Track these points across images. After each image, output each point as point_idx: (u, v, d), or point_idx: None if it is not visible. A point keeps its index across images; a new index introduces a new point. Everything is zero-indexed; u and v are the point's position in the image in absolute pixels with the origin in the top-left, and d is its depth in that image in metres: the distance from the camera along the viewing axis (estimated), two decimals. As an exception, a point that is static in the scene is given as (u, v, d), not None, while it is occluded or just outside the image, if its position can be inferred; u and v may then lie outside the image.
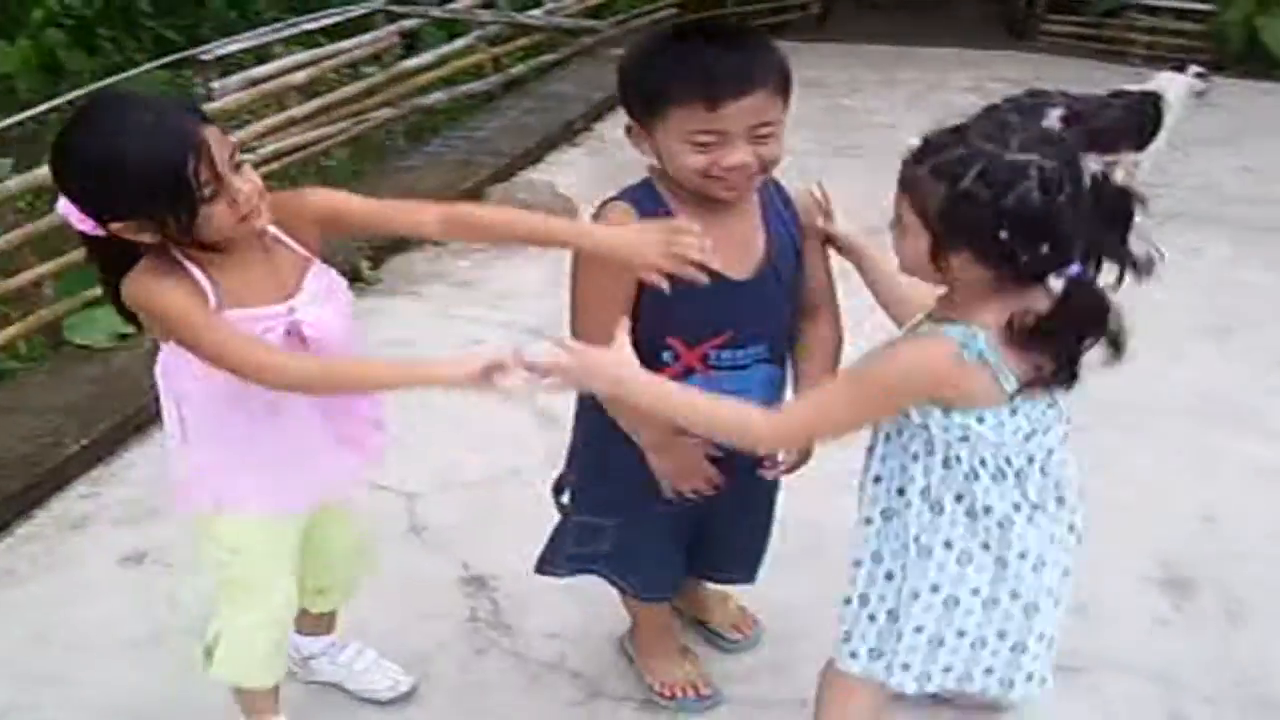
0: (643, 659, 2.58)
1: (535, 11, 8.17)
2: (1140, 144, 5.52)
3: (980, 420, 1.79)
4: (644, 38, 2.09)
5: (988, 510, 1.87)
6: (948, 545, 1.89)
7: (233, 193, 1.80)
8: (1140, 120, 5.51)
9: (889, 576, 1.96)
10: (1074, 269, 1.70)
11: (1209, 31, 10.03)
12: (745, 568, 2.54)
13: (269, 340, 1.90)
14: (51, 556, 3.06)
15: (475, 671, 2.68)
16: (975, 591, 1.91)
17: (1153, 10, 10.38)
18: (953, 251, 1.72)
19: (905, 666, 1.98)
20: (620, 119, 2.09)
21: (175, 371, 1.98)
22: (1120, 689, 2.65)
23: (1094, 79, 8.34)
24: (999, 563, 1.90)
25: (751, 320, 2.11)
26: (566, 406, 2.38)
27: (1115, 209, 1.73)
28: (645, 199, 2.06)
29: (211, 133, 1.79)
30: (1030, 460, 1.86)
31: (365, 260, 4.65)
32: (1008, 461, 1.84)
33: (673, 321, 2.06)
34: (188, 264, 1.86)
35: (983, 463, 1.84)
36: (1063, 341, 1.74)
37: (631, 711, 2.57)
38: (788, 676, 2.59)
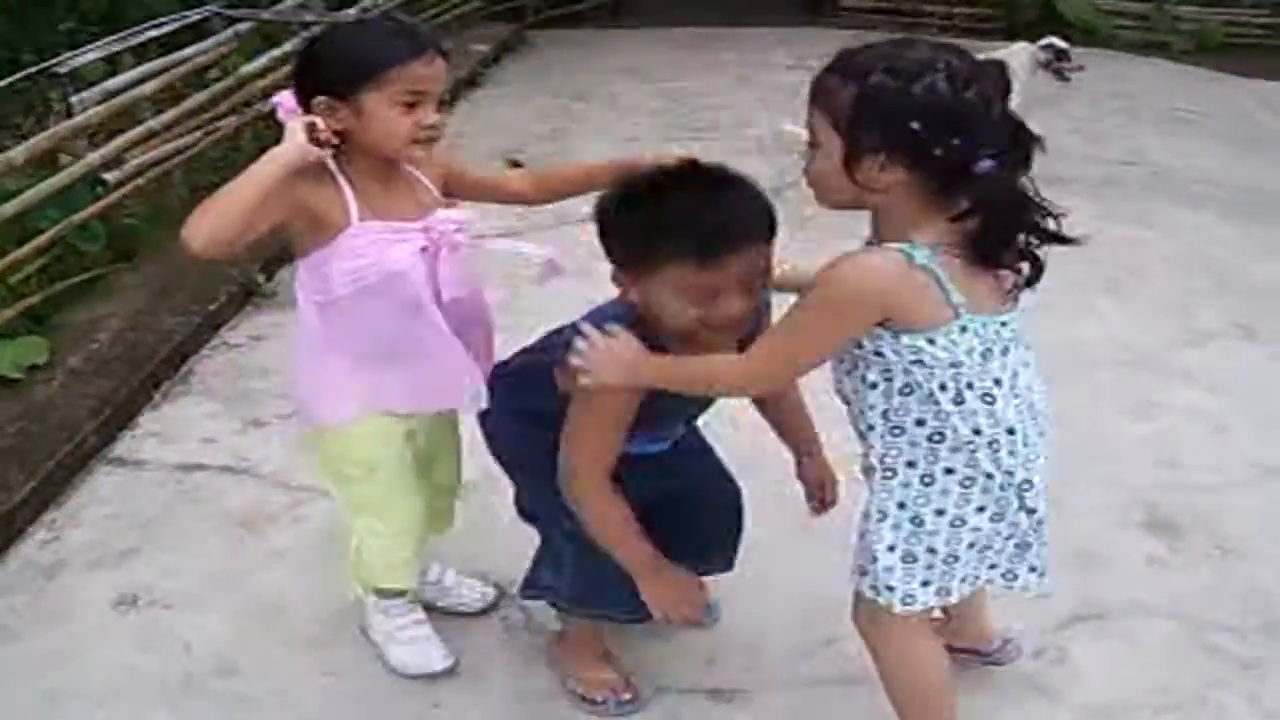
0: (566, 663, 2.56)
1: (350, 11, 7.95)
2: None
3: (931, 341, 1.78)
4: (623, 191, 2.03)
5: (955, 432, 1.87)
6: (910, 465, 1.92)
7: (422, 116, 2.04)
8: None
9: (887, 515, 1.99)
10: (986, 163, 1.71)
11: (1004, 0, 10.58)
12: (723, 559, 2.55)
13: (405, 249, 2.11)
14: (36, 609, 2.81)
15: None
16: (940, 512, 1.94)
17: (948, -19, 10.88)
18: (867, 154, 1.73)
19: (886, 589, 2.00)
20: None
21: (323, 277, 2.12)
22: (1148, 631, 2.77)
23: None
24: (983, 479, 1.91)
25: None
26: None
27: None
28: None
29: (440, 64, 2.06)
30: (997, 383, 1.85)
31: (260, 274, 4.45)
32: (969, 386, 1.83)
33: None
34: (339, 175, 2.07)
35: (942, 387, 1.83)
36: (993, 241, 1.77)
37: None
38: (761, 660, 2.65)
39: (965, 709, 2.29)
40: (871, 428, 1.92)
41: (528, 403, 2.24)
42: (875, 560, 1.98)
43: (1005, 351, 1.85)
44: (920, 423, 1.88)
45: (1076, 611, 2.82)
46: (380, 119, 2.03)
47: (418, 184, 2.19)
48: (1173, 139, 7.14)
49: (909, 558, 1.97)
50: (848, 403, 1.99)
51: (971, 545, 1.98)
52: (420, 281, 2.14)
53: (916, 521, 1.95)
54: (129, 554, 3.00)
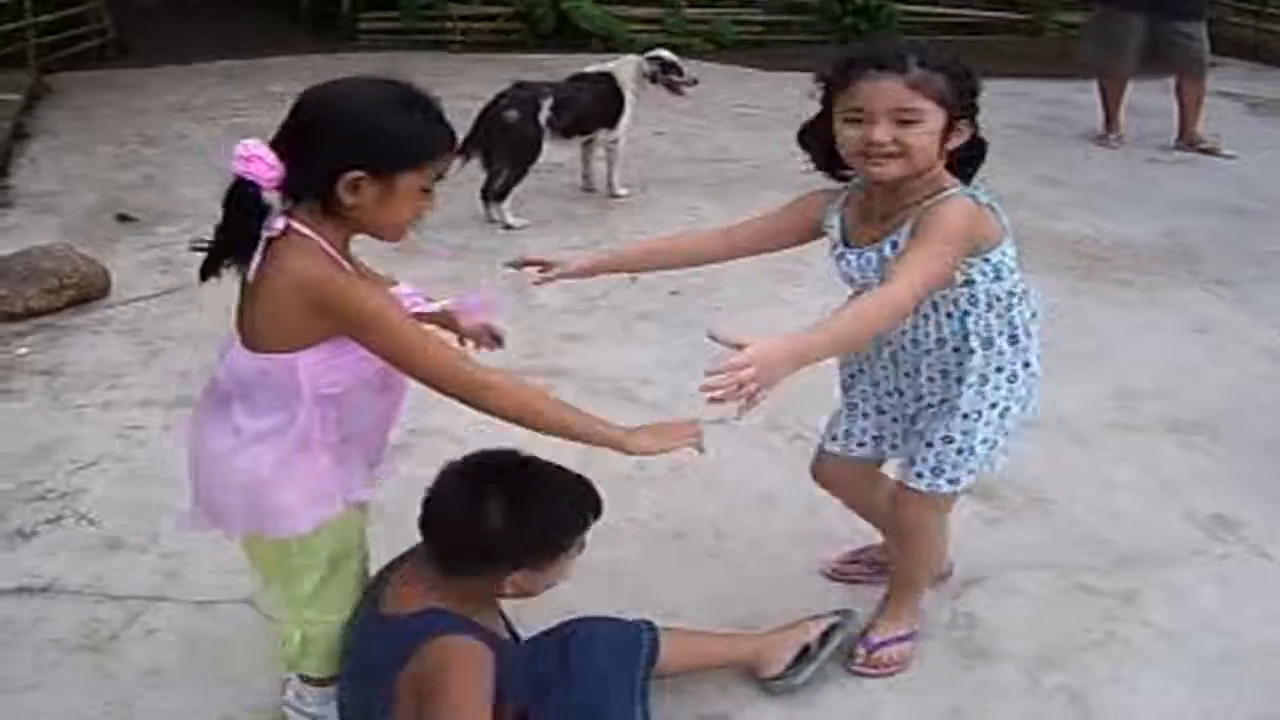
0: None
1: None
2: (611, 122, 6.10)
3: (1004, 253, 2.35)
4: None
5: (1028, 334, 2.44)
6: (999, 370, 2.44)
7: (429, 200, 2.03)
8: (603, 101, 6.08)
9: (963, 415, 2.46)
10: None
11: (521, 13, 10.94)
12: None
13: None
14: None
15: None
16: (1021, 403, 2.50)
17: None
18: (961, 121, 2.28)
19: (971, 472, 2.52)
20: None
21: (337, 367, 2.01)
22: (1030, 583, 3.07)
23: (500, 68, 8.89)
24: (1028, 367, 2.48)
25: None
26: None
27: None
28: None
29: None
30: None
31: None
32: (1023, 291, 2.42)
33: None
34: (332, 250, 1.97)
35: (1011, 293, 2.38)
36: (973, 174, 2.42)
37: None
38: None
39: (917, 682, 2.68)
40: (972, 352, 2.41)
41: None
42: (973, 454, 2.47)
43: None
44: (1002, 332, 2.40)
45: (961, 578, 3.06)
46: (405, 202, 2.00)
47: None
48: (748, 133, 7.72)
49: (994, 446, 2.49)
50: (930, 351, 2.45)
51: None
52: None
53: (1003, 415, 2.47)
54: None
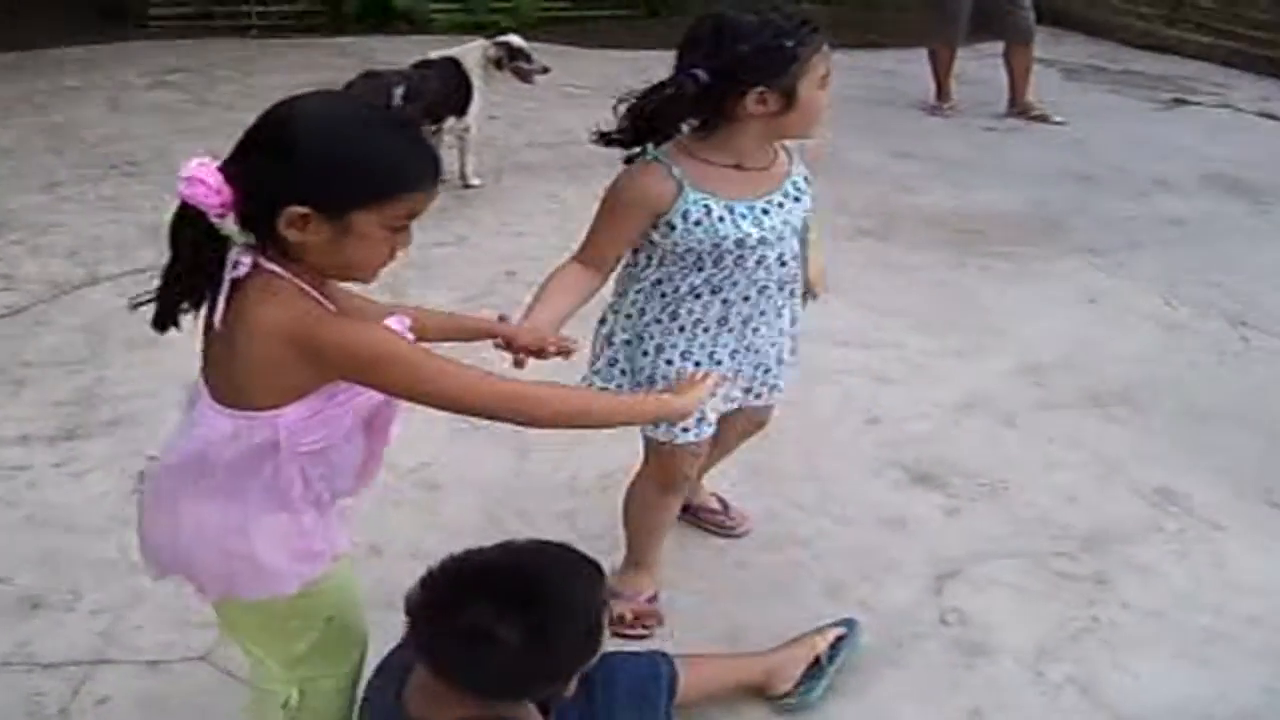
0: None
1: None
2: (460, 110, 5.95)
3: None
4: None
5: None
6: None
7: (402, 240, 1.78)
8: (452, 88, 5.91)
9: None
10: None
11: (325, -3, 10.55)
12: None
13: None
14: None
15: None
16: None
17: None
18: None
19: None
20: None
21: (327, 419, 1.80)
22: (1005, 572, 3.12)
23: (306, 53, 8.54)
24: None
25: None
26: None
27: None
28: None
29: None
30: None
31: None
32: None
33: None
34: (308, 288, 1.75)
35: None
36: None
37: None
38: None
39: (926, 685, 2.71)
40: (794, 292, 2.60)
41: None
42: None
43: None
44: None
45: (936, 573, 3.08)
46: (366, 244, 1.74)
47: (347, 302, 1.93)
48: (584, 113, 7.55)
49: None
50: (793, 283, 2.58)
51: None
52: (384, 397, 1.88)
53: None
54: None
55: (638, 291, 2.53)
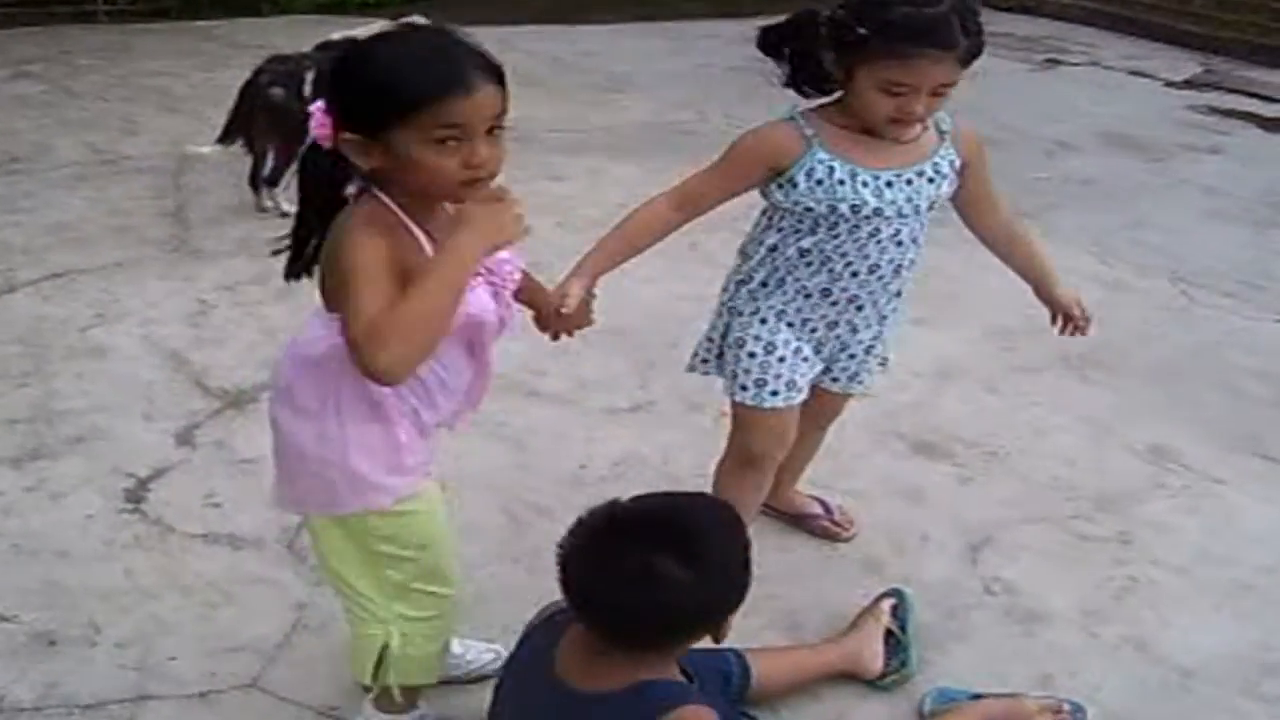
0: None
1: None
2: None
3: None
4: None
5: None
6: None
7: (471, 154, 1.81)
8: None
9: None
10: None
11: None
12: None
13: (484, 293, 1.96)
14: None
15: None
16: None
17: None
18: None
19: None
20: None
21: None
22: (1037, 537, 3.23)
23: (172, 39, 8.22)
24: None
25: None
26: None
27: None
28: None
29: (489, 92, 1.81)
30: None
31: None
32: None
33: None
34: (404, 215, 1.86)
35: None
36: None
37: None
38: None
39: (989, 654, 2.77)
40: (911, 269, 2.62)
41: None
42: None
43: None
44: None
45: (968, 542, 3.17)
46: (418, 163, 1.82)
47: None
48: (521, 100, 7.46)
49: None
50: (910, 267, 2.61)
51: None
52: (493, 326, 2.02)
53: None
54: None
55: (752, 256, 2.59)
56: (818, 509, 3.17)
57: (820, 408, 2.87)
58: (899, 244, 2.52)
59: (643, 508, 1.99)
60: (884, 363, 2.81)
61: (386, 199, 1.86)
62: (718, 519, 2.03)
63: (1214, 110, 7.68)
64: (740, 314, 2.63)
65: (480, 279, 1.94)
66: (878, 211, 2.44)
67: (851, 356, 2.72)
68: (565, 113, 7.03)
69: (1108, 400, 3.94)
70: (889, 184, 2.43)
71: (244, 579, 2.93)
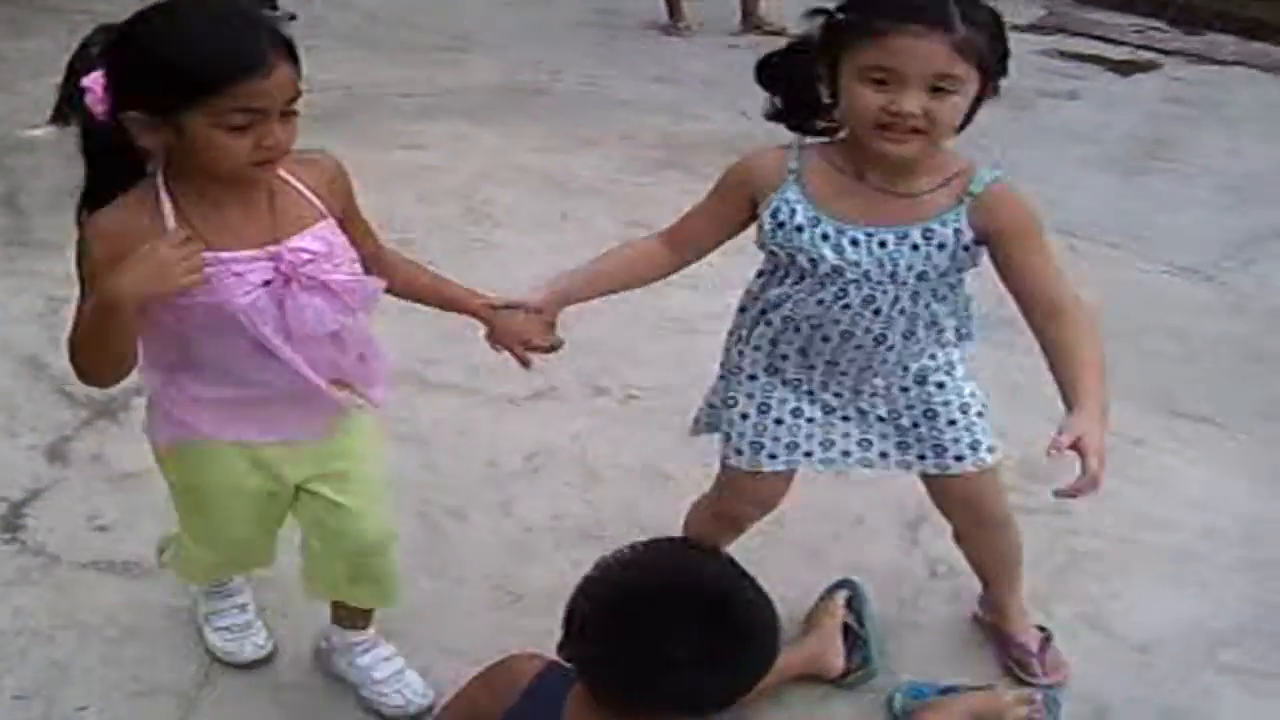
0: None
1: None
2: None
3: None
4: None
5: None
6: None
7: (265, 135, 1.80)
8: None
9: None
10: None
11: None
12: None
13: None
14: None
15: None
16: None
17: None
18: (990, 87, 2.05)
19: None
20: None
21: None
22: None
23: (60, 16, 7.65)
24: None
25: None
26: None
27: None
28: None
29: (286, 71, 1.79)
30: None
31: None
32: None
33: None
34: (167, 202, 1.86)
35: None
36: None
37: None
38: None
39: (941, 637, 2.77)
40: (944, 343, 2.32)
41: None
42: (984, 427, 2.39)
43: None
44: (966, 316, 2.34)
45: (903, 521, 3.12)
46: (206, 145, 1.79)
47: (283, 198, 1.96)
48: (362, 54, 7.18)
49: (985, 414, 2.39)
50: (904, 338, 2.24)
51: None
52: (263, 321, 1.94)
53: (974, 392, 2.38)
54: None
55: (746, 309, 2.37)
56: (1033, 645, 2.67)
57: (948, 496, 2.53)
58: (876, 313, 2.18)
59: (667, 580, 1.84)
60: (964, 410, 2.39)
61: (160, 182, 1.86)
62: (745, 595, 1.87)
63: (1063, 54, 7.78)
64: (735, 371, 2.38)
65: (260, 262, 1.91)
66: (838, 270, 2.12)
67: (903, 430, 2.37)
68: (412, 75, 6.77)
69: (1014, 362, 3.86)
70: (854, 241, 2.11)
71: (147, 610, 2.71)
